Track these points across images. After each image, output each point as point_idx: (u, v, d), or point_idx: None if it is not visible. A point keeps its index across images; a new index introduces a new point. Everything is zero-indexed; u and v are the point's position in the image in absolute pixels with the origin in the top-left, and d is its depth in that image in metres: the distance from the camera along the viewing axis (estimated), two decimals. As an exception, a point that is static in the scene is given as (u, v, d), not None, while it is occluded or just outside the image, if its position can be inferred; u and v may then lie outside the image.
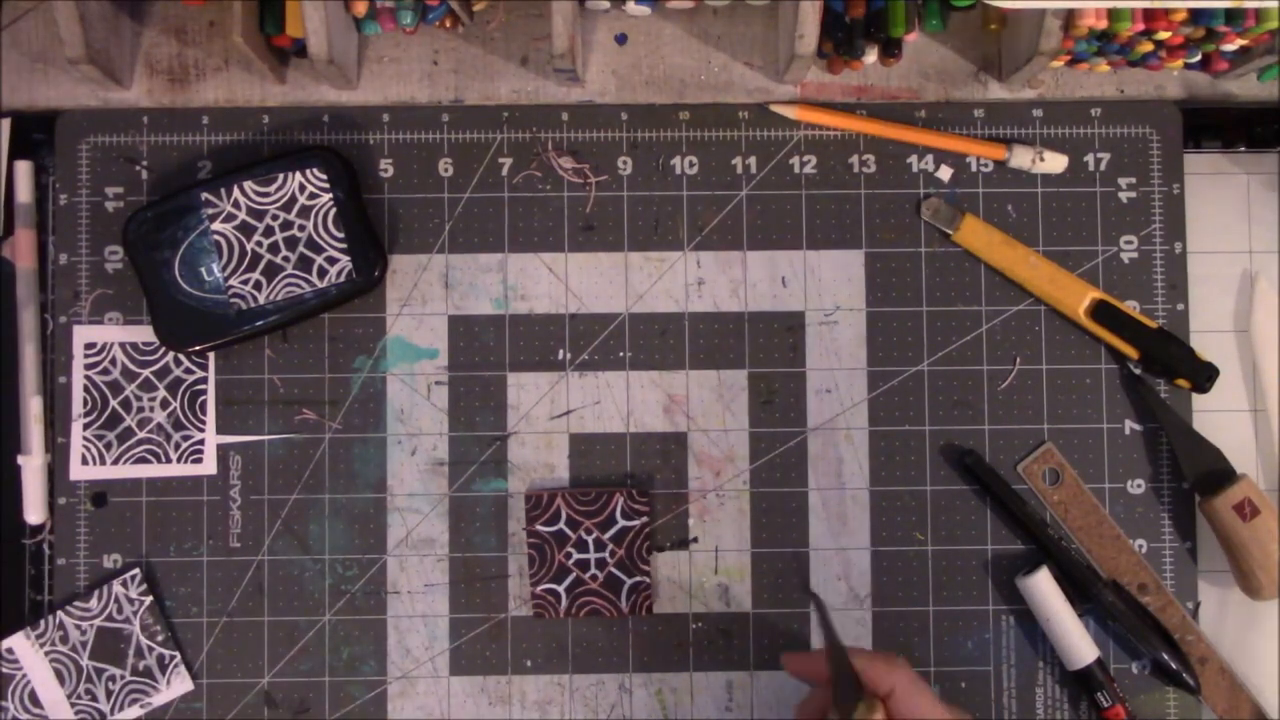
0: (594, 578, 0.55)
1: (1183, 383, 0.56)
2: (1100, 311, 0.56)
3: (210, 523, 0.56)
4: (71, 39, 0.52)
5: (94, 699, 0.55)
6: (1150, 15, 0.51)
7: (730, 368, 0.57)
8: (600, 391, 0.57)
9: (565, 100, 0.58)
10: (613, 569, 0.55)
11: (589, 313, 0.57)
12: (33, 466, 0.56)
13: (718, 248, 0.57)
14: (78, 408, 0.56)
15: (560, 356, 0.57)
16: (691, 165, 0.57)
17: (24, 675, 0.55)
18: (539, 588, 0.55)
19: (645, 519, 0.55)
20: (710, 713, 0.56)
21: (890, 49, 0.55)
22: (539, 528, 0.55)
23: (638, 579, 0.55)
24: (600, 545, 0.55)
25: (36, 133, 0.57)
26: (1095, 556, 0.56)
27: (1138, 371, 0.56)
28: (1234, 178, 0.58)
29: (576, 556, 0.55)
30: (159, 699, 0.55)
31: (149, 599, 0.55)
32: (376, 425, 0.56)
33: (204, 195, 0.55)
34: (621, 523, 0.55)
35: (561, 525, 0.55)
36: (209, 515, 0.56)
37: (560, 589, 0.55)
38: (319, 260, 0.55)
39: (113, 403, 0.56)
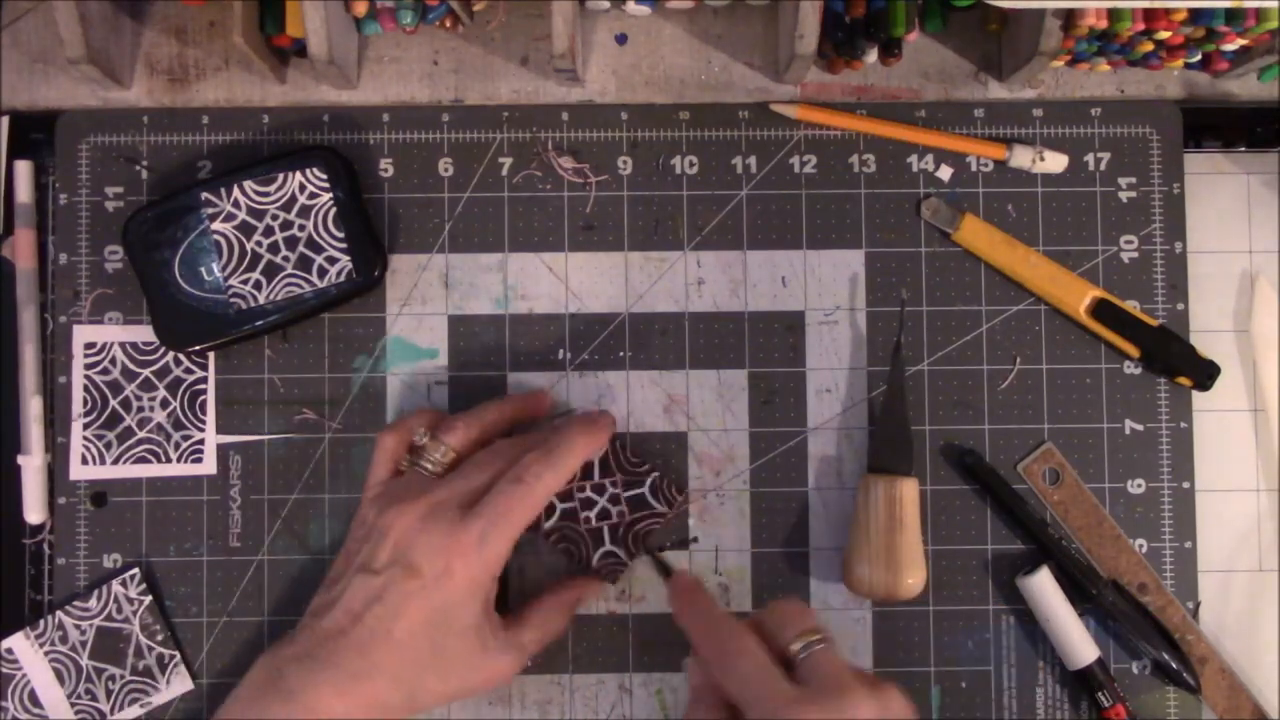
0: (586, 520, 0.54)
1: (1184, 380, 0.56)
2: (1101, 310, 0.56)
3: (210, 523, 0.56)
4: (71, 39, 0.52)
5: (94, 699, 0.55)
6: (1150, 15, 0.51)
7: (730, 368, 0.57)
8: (600, 391, 0.57)
9: (565, 100, 0.58)
10: (604, 527, 0.54)
11: (589, 313, 0.57)
12: (33, 466, 0.56)
13: (718, 248, 0.57)
14: (78, 408, 0.56)
15: (560, 356, 0.57)
16: (691, 165, 0.57)
17: (24, 675, 0.55)
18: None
19: (660, 518, 0.54)
20: (710, 713, 0.56)
21: (890, 49, 0.55)
22: None
23: (618, 553, 0.54)
24: (615, 500, 0.54)
25: (36, 133, 0.57)
26: (1095, 556, 0.56)
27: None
28: (1234, 178, 0.58)
29: (589, 493, 0.54)
30: (159, 699, 0.55)
31: (149, 599, 0.55)
32: (377, 425, 0.56)
33: (204, 195, 0.55)
34: (649, 501, 0.54)
35: (595, 461, 0.54)
36: (209, 515, 0.56)
37: (556, 502, 0.53)
38: (319, 260, 0.55)
39: (113, 403, 0.56)
